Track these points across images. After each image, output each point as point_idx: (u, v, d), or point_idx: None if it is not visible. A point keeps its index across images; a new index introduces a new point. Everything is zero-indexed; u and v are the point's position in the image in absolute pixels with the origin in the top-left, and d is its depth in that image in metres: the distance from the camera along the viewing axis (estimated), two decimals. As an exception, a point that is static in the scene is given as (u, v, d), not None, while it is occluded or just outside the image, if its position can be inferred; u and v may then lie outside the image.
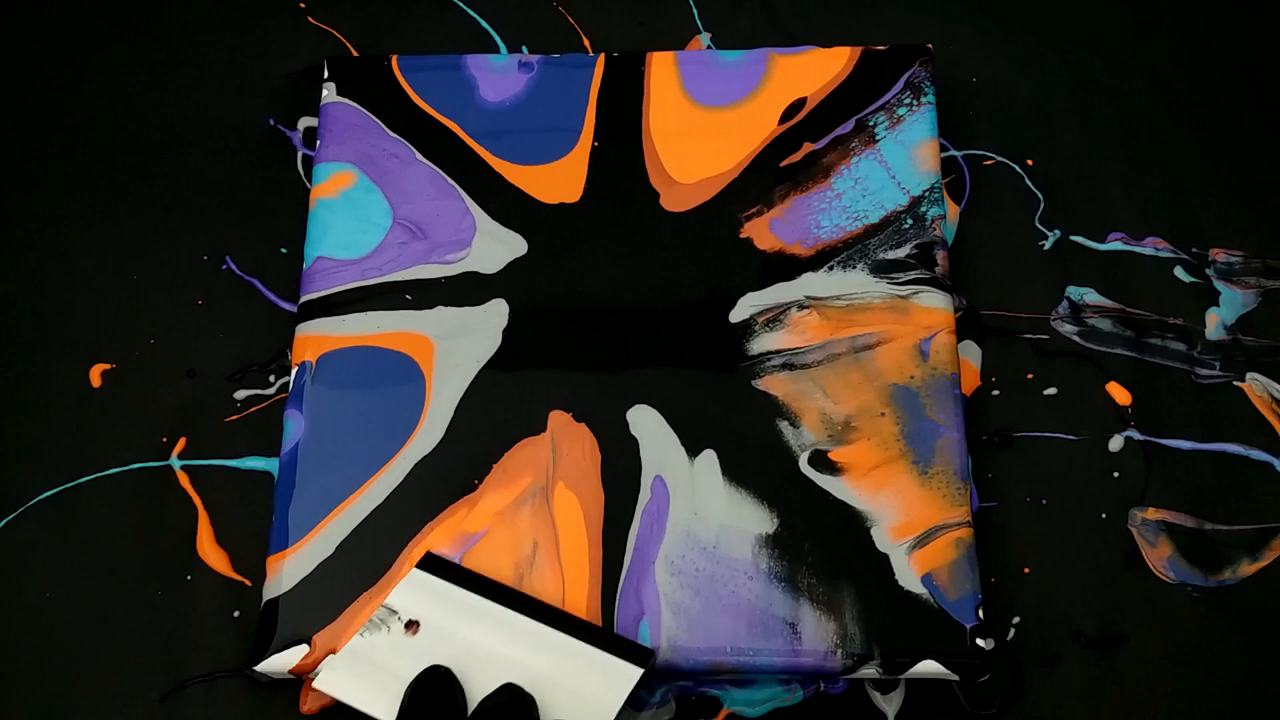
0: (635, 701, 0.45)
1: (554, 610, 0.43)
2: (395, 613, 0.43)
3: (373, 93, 0.53)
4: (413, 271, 0.49)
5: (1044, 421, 0.49)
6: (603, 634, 0.43)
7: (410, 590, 0.43)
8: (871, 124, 0.51)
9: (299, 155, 0.55)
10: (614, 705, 0.41)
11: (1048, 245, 0.52)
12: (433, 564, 0.44)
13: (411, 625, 0.42)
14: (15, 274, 0.53)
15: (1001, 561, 0.47)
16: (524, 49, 0.56)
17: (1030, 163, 0.54)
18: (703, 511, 0.45)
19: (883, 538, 0.44)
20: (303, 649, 0.43)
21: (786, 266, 0.49)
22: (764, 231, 0.50)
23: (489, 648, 0.42)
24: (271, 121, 0.55)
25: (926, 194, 0.50)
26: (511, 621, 0.43)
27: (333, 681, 0.41)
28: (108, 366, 0.51)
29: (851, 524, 0.45)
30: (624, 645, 0.42)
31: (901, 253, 0.49)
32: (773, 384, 0.47)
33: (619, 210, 0.50)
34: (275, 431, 0.48)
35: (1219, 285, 0.51)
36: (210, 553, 0.48)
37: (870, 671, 0.43)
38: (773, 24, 0.57)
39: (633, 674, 0.42)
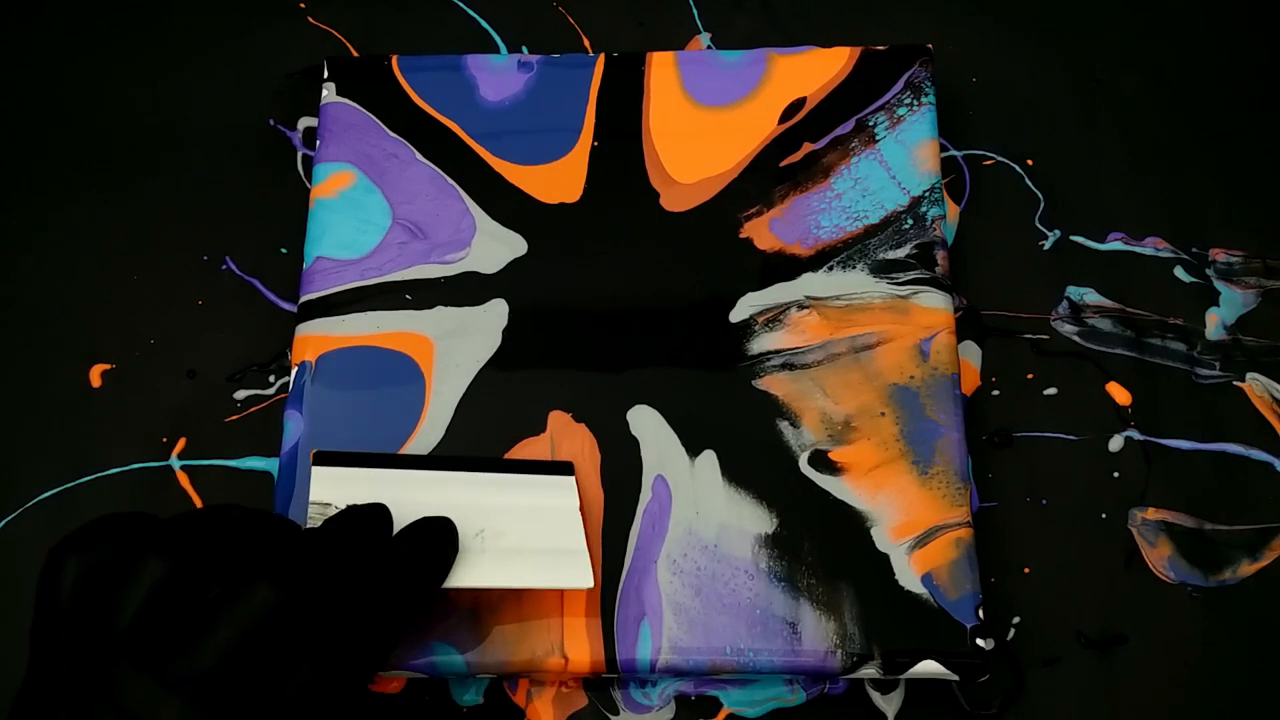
0: (635, 706, 0.45)
1: (463, 459, 0.45)
2: (329, 504, 0.42)
3: (373, 93, 0.53)
4: (412, 271, 0.49)
5: (1044, 421, 0.49)
6: (519, 463, 0.45)
7: (325, 484, 0.42)
8: (871, 124, 0.51)
9: (299, 155, 0.55)
10: (574, 511, 0.44)
11: (1048, 245, 0.52)
12: (328, 458, 0.43)
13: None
14: (15, 274, 0.53)
15: (1001, 561, 0.47)
16: (524, 49, 0.56)
17: (1030, 163, 0.54)
18: (704, 511, 0.45)
19: (883, 538, 0.44)
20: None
21: (786, 266, 0.49)
22: (764, 231, 0.50)
23: (434, 502, 0.42)
24: (271, 121, 0.55)
25: (927, 194, 0.50)
26: (436, 479, 0.43)
27: None
28: (108, 366, 0.51)
29: (851, 524, 0.45)
30: (544, 465, 0.45)
31: (901, 253, 0.49)
32: (773, 384, 0.47)
33: (619, 210, 0.50)
34: (275, 431, 0.48)
35: (1219, 285, 0.51)
36: (210, 553, 0.48)
37: (870, 671, 0.43)
38: (773, 24, 0.57)
39: (569, 483, 0.44)
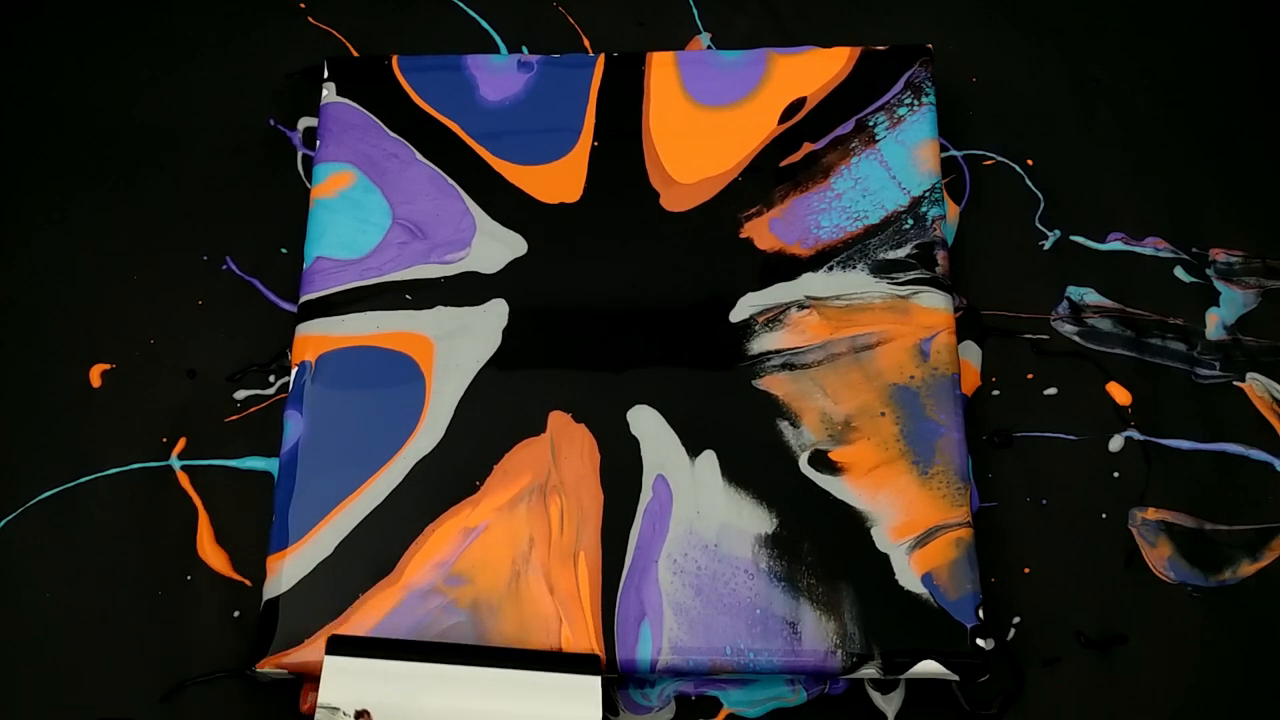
0: (635, 706, 0.45)
1: (485, 650, 0.43)
2: (337, 709, 0.41)
3: (373, 93, 0.53)
4: (412, 271, 0.49)
5: (1044, 421, 0.49)
6: (542, 657, 0.43)
7: (337, 680, 0.42)
8: (871, 124, 0.51)
9: (299, 155, 0.55)
10: (595, 710, 0.41)
11: (1048, 245, 0.52)
12: (343, 645, 0.43)
13: (362, 715, 0.41)
14: (15, 274, 0.53)
15: (1001, 561, 0.47)
16: (524, 49, 0.56)
17: (1030, 163, 0.54)
18: (704, 510, 0.45)
19: (883, 538, 0.44)
20: (304, 651, 0.43)
21: (786, 266, 0.49)
22: (764, 231, 0.50)
23: (446, 710, 0.41)
24: (271, 121, 0.55)
25: (927, 194, 0.50)
26: (453, 676, 0.42)
27: None
28: (108, 366, 0.51)
29: (851, 524, 0.45)
30: (570, 661, 0.42)
31: (902, 253, 0.49)
32: (773, 384, 0.47)
33: (619, 210, 0.50)
34: (275, 431, 0.48)
35: (1219, 285, 0.51)
36: (210, 553, 0.48)
37: (870, 671, 0.43)
38: (773, 24, 0.57)
39: (593, 684, 0.42)
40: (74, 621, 0.47)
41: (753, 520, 0.45)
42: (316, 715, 0.41)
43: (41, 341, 0.51)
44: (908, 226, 0.49)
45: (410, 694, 0.41)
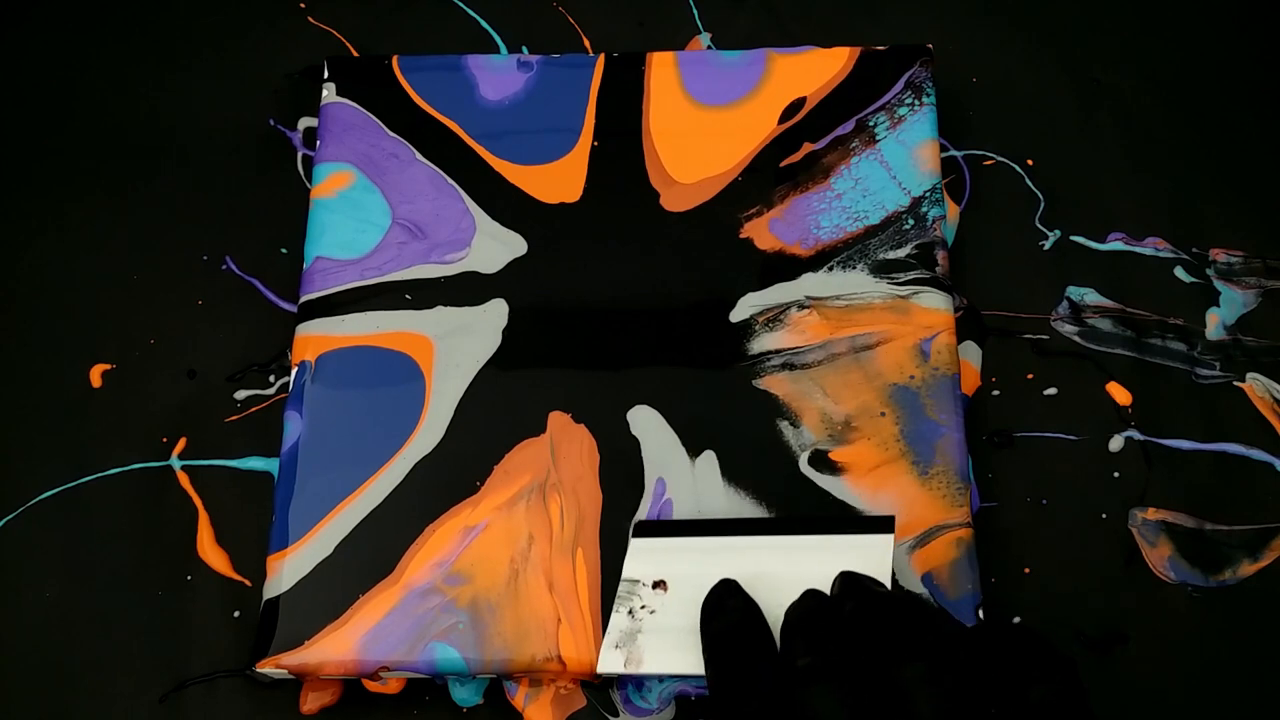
0: (635, 708, 0.45)
1: (773, 520, 0.44)
2: (637, 581, 0.43)
3: (373, 93, 0.53)
4: (412, 271, 0.49)
5: (1044, 421, 0.49)
6: (831, 521, 0.43)
7: (639, 559, 0.43)
8: (872, 124, 0.51)
9: (299, 155, 0.55)
10: (885, 567, 0.41)
11: (1048, 245, 0.52)
12: (647, 529, 0.44)
13: (660, 584, 0.42)
14: (15, 274, 0.53)
15: (1001, 561, 0.47)
16: (524, 49, 0.56)
17: (1030, 163, 0.54)
18: (705, 510, 0.45)
19: (883, 538, 0.44)
20: (304, 651, 0.43)
21: (786, 266, 0.49)
22: (764, 231, 0.50)
23: (745, 575, 0.41)
24: (271, 121, 0.55)
25: (927, 194, 0.50)
26: (749, 545, 0.42)
27: (616, 661, 0.42)
28: (108, 366, 0.51)
29: (851, 524, 0.45)
30: (862, 522, 0.43)
31: (902, 253, 0.49)
32: (773, 384, 0.47)
33: (619, 210, 0.50)
34: (275, 431, 0.48)
35: (1219, 285, 0.51)
36: (210, 553, 0.48)
37: (870, 671, 0.43)
38: (773, 24, 0.57)
39: (886, 541, 0.41)
40: (74, 621, 0.47)
41: (753, 520, 0.45)
42: (620, 590, 0.43)
43: (41, 341, 0.51)
44: (908, 227, 0.49)
45: (703, 564, 0.42)
